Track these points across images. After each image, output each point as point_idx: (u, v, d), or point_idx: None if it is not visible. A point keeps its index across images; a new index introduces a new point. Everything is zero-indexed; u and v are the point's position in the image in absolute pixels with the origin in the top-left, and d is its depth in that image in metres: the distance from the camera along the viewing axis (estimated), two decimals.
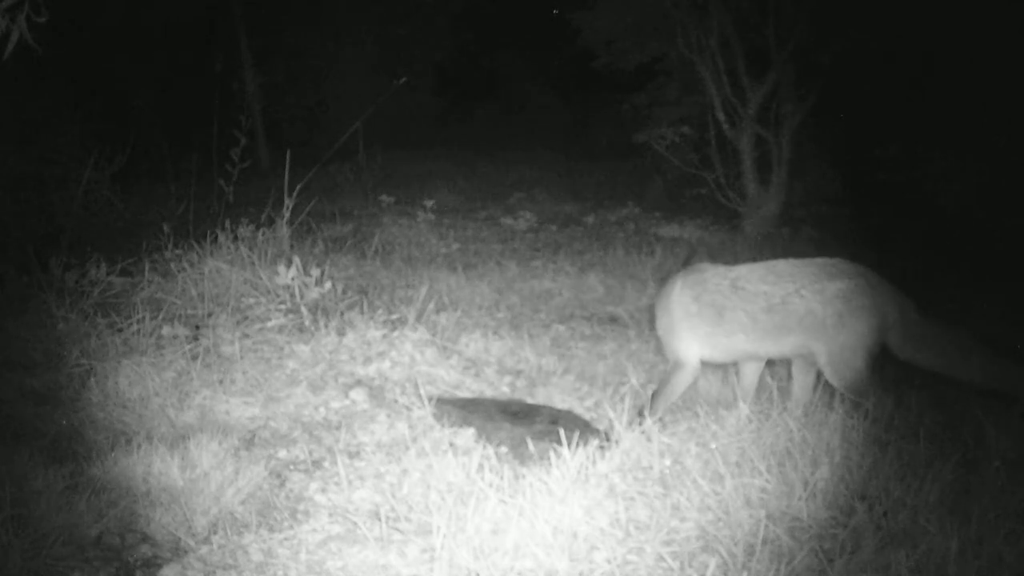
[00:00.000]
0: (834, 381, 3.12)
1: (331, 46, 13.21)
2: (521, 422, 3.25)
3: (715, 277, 3.28)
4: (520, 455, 3.03)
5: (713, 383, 3.56)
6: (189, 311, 4.21)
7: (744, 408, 3.09)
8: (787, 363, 3.43)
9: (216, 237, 4.66)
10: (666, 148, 8.16)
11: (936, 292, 5.46)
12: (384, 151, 10.56)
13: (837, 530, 2.47)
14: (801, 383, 3.29)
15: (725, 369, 3.59)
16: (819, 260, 3.19)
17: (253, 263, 4.46)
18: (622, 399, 3.38)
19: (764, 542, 2.39)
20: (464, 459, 2.89)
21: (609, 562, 2.36)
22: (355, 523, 2.60)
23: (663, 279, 3.59)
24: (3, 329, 3.93)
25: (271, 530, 2.58)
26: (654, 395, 3.34)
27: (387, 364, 3.82)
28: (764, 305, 3.13)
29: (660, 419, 3.19)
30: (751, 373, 3.40)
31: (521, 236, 7.15)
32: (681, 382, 3.33)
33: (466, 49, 14.29)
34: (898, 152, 7.41)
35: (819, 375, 3.20)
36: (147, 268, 4.52)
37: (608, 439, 3.06)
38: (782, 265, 3.24)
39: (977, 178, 7.03)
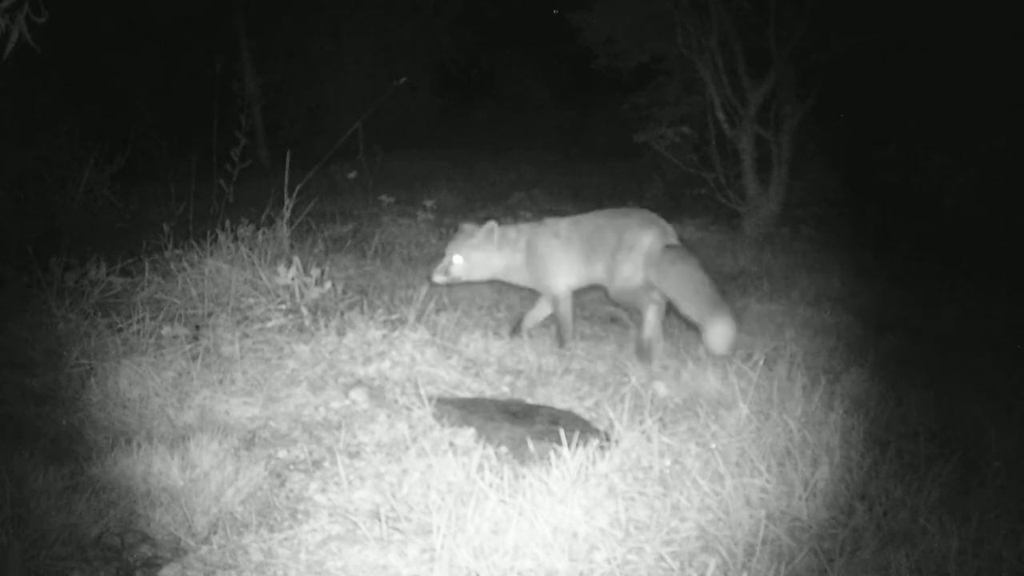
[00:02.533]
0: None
1: (331, 46, 13.21)
2: (521, 422, 3.25)
3: (568, 222, 4.20)
4: (520, 455, 3.03)
5: (713, 382, 3.56)
6: (189, 311, 4.21)
7: (744, 408, 3.09)
8: (770, 358, 3.65)
9: (216, 237, 4.66)
10: (666, 148, 8.16)
11: (936, 292, 5.49)
12: (384, 151, 10.56)
13: (837, 530, 2.47)
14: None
15: (725, 369, 3.59)
16: (623, 208, 4.30)
17: (253, 263, 4.46)
18: (622, 399, 3.38)
19: (764, 542, 2.40)
20: (464, 459, 2.89)
21: (609, 562, 2.36)
22: (355, 523, 2.60)
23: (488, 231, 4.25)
24: (3, 329, 3.93)
25: (271, 530, 2.58)
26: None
27: (387, 364, 3.82)
28: (588, 238, 4.08)
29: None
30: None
31: None
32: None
33: (466, 49, 14.29)
34: (898, 152, 7.42)
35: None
36: (147, 268, 4.51)
37: (608, 439, 3.06)
38: (602, 211, 4.23)
39: (977, 178, 7.04)
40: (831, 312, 4.90)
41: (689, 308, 3.82)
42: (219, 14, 11.58)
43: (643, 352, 4.03)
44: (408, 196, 8.06)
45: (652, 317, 4.03)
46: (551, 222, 4.29)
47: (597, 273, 4.14)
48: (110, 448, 2.96)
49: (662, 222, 4.04)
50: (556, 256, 4.18)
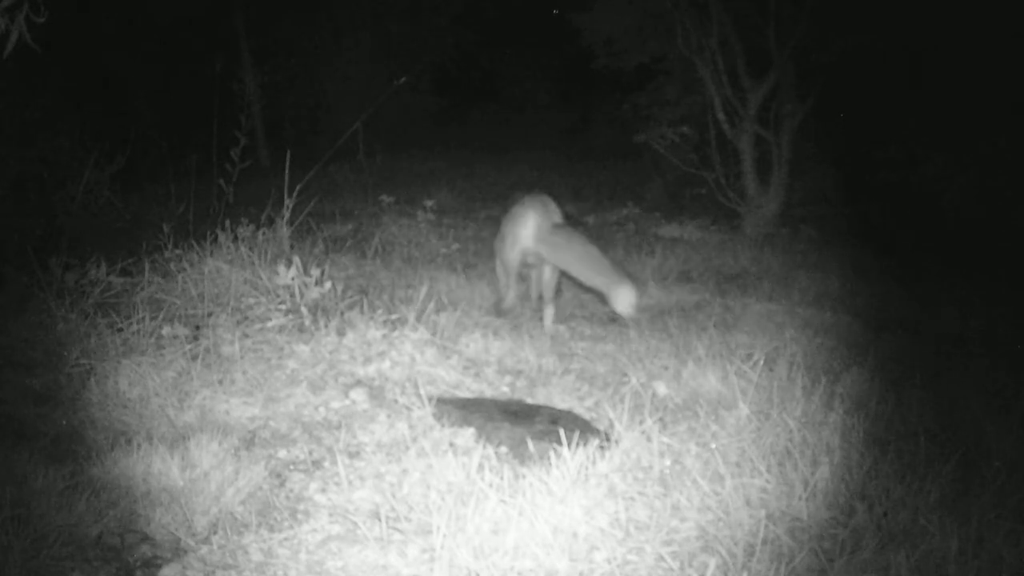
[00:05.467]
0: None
1: (331, 46, 13.20)
2: (521, 422, 3.25)
3: None
4: (520, 455, 3.03)
5: (713, 382, 3.56)
6: (189, 311, 4.21)
7: (744, 408, 3.09)
8: (770, 358, 3.63)
9: (216, 237, 4.65)
10: (666, 148, 8.16)
11: (936, 292, 5.48)
12: (384, 151, 10.55)
13: (837, 530, 2.47)
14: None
15: (725, 369, 3.59)
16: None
17: (253, 263, 4.46)
18: (622, 399, 3.38)
19: (764, 542, 2.40)
20: (464, 459, 2.89)
21: (609, 562, 2.36)
22: (355, 523, 2.60)
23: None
24: (3, 329, 3.93)
25: (271, 530, 2.58)
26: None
27: (387, 364, 3.82)
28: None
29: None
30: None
31: None
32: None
33: (466, 49, 14.28)
34: (898, 152, 7.42)
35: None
36: (147, 268, 4.50)
37: (608, 439, 3.06)
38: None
39: (977, 178, 7.03)
40: (831, 312, 4.90)
41: (594, 279, 4.25)
42: (219, 14, 11.57)
43: (502, 310, 4.70)
44: (408, 196, 8.06)
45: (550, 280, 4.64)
46: None
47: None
48: (110, 448, 2.96)
49: (546, 201, 4.45)
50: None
